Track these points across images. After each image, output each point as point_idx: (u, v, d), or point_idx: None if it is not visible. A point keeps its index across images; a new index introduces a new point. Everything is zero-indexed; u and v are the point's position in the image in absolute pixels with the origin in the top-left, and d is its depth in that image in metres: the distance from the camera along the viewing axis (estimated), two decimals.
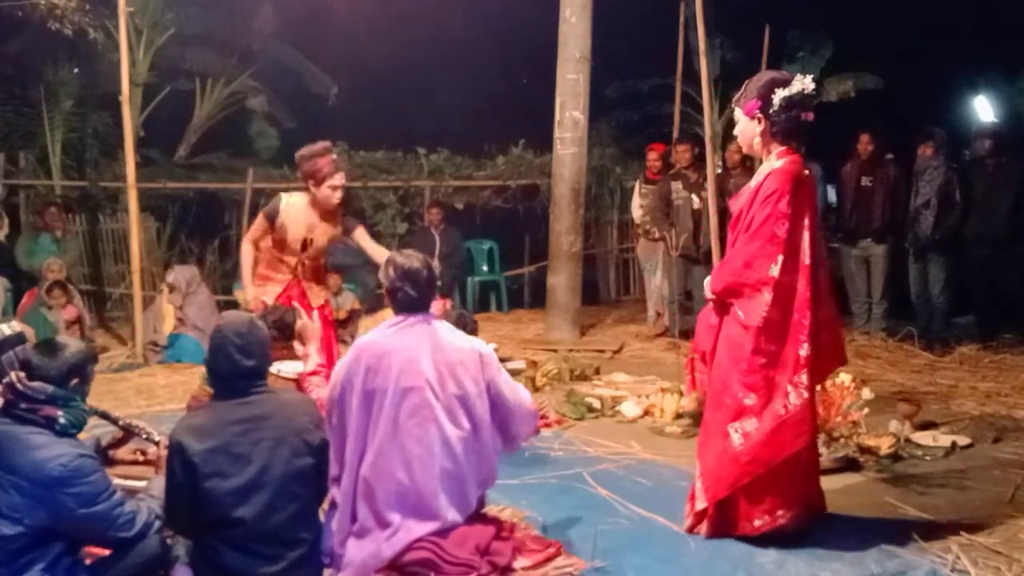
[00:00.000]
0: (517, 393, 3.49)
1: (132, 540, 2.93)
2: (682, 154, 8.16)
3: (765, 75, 3.78)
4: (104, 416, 3.46)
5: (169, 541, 3.11)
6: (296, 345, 4.54)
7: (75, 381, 2.96)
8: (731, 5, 10.31)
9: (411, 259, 3.43)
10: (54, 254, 8.58)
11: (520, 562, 3.33)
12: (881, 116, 9.82)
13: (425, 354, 3.28)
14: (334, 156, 5.08)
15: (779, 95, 3.62)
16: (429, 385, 3.24)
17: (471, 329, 4.55)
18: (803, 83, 3.66)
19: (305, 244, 5.12)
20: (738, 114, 3.78)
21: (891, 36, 12.02)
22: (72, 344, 3.02)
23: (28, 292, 8.17)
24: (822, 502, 3.89)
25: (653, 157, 8.86)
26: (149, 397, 6.39)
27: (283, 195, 5.16)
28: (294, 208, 5.06)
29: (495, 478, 3.46)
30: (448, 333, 3.42)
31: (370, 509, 3.22)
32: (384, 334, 3.36)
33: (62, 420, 2.86)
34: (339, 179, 5.02)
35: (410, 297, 3.37)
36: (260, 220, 5.10)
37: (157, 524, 3.00)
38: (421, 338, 3.33)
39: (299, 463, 3.01)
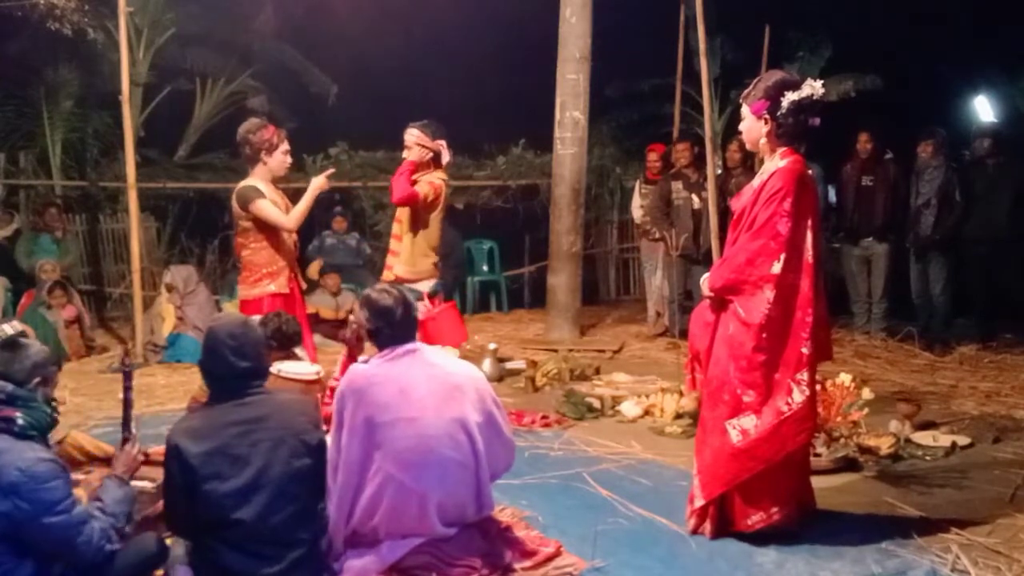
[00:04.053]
0: (508, 425, 3.45)
1: (90, 561, 2.77)
2: (681, 153, 8.17)
3: (775, 75, 3.76)
4: (126, 414, 3.39)
5: (168, 541, 3.10)
6: (297, 351, 4.52)
7: (37, 380, 2.87)
8: (731, 5, 10.30)
9: (384, 296, 3.36)
10: (54, 255, 8.59)
11: (520, 562, 3.33)
12: (881, 116, 9.82)
13: (418, 382, 3.24)
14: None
15: (788, 98, 3.61)
16: (424, 414, 3.19)
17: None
18: (812, 87, 3.64)
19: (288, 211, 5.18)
20: (745, 111, 3.77)
21: (891, 36, 12.01)
22: (35, 344, 2.95)
23: (26, 293, 8.18)
24: (813, 500, 3.91)
25: (653, 158, 8.87)
26: (149, 397, 6.38)
27: (245, 183, 5.10)
28: (262, 185, 5.07)
29: (493, 504, 3.44)
30: (439, 357, 3.41)
31: (367, 535, 3.20)
32: (372, 365, 3.32)
33: (20, 421, 2.75)
34: (287, 143, 5.16)
35: (389, 335, 3.33)
36: (265, 203, 4.98)
37: (107, 547, 2.80)
38: (411, 367, 3.28)
39: (297, 464, 3.00)
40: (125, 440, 3.19)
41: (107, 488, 2.96)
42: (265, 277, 5.06)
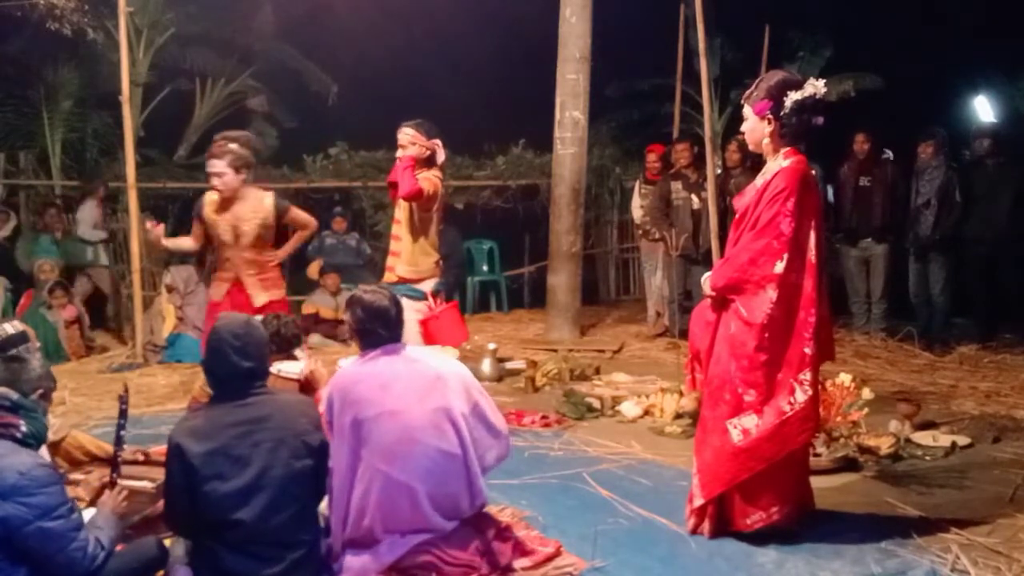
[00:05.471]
0: (498, 416, 3.44)
1: (86, 569, 2.76)
2: (681, 153, 8.17)
3: (777, 75, 3.76)
4: (119, 432, 3.41)
5: (168, 542, 3.10)
6: (298, 352, 4.51)
7: (40, 392, 2.96)
8: (731, 5, 10.30)
9: (379, 296, 3.35)
10: (54, 255, 8.59)
11: (520, 562, 3.33)
12: (881, 116, 9.83)
13: (399, 376, 3.25)
14: (231, 145, 5.18)
15: (791, 98, 3.60)
16: (407, 406, 3.19)
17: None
18: (815, 87, 3.63)
19: (237, 236, 5.22)
20: (747, 112, 3.76)
21: (891, 36, 12.02)
22: (38, 358, 3.05)
23: (26, 293, 8.18)
24: (813, 500, 3.91)
25: (652, 158, 8.86)
26: (149, 397, 6.39)
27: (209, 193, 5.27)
28: (210, 198, 5.15)
29: (486, 496, 3.41)
30: (420, 353, 3.42)
31: (364, 537, 3.19)
32: (352, 366, 3.34)
33: (24, 429, 2.81)
34: (213, 166, 5.12)
35: (381, 336, 3.33)
36: (195, 221, 5.22)
37: (101, 555, 2.82)
38: (392, 363, 3.29)
39: (298, 465, 3.00)
40: (113, 470, 3.30)
41: (101, 508, 3.05)
42: (218, 280, 5.28)
